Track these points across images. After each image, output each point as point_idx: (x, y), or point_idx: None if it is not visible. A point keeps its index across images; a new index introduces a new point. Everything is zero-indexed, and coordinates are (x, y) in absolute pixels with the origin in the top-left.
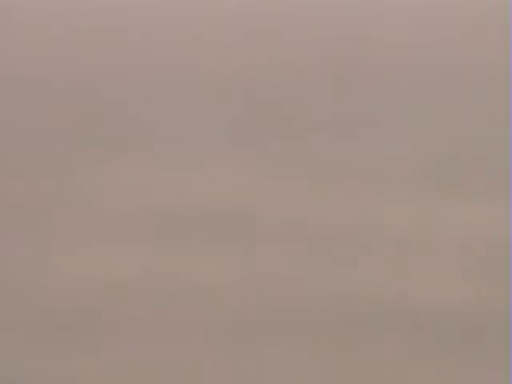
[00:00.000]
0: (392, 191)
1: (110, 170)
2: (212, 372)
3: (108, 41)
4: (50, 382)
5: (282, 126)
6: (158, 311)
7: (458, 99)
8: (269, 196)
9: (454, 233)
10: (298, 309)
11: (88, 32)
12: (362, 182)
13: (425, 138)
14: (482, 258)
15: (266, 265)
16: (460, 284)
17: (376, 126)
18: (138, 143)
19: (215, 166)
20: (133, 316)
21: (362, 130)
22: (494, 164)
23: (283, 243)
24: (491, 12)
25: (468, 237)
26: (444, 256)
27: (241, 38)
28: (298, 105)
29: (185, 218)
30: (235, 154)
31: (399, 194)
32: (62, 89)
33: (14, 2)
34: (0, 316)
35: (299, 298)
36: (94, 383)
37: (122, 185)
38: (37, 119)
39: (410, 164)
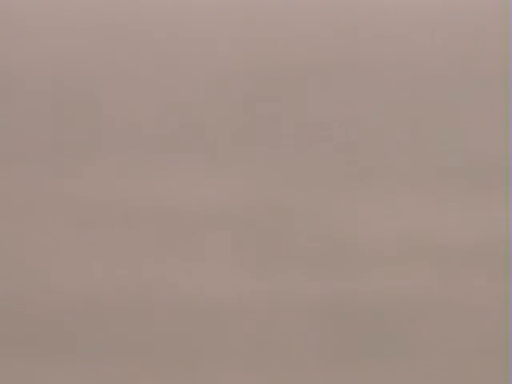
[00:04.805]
0: (392, 191)
1: (114, 170)
2: None
3: (105, 39)
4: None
5: (283, 126)
6: (146, 321)
7: (457, 99)
8: (269, 197)
9: (455, 233)
10: (300, 316)
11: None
12: (363, 183)
13: (424, 138)
14: (482, 257)
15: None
16: (459, 283)
17: (376, 126)
18: (139, 141)
19: (215, 166)
20: (123, 324)
21: (361, 130)
22: (494, 164)
23: (287, 247)
24: (491, 12)
25: (468, 237)
26: (444, 256)
27: (240, 36)
28: (298, 104)
29: (180, 222)
30: (235, 154)
31: (399, 195)
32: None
33: (14, 2)
34: None
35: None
36: None
37: (121, 185)
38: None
39: (410, 164)
